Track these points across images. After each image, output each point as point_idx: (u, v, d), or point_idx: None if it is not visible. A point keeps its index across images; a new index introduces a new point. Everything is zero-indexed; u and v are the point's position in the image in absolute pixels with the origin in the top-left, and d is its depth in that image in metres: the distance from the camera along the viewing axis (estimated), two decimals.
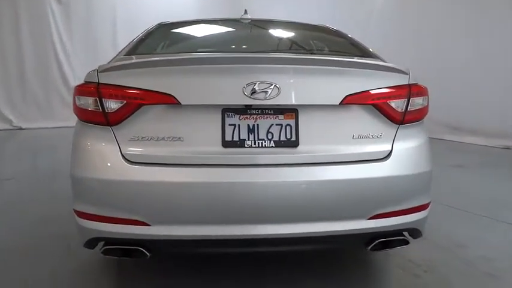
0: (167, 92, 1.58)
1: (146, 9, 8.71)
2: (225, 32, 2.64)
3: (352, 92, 1.63)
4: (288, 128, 1.63)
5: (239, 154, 1.60)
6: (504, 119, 5.85)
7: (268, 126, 1.63)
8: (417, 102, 1.75)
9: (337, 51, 2.23)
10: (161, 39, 2.45)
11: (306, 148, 1.63)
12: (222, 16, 3.14)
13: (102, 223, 1.62)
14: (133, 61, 1.66)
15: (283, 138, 1.62)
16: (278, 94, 1.57)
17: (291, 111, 1.63)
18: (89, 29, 8.40)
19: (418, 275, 2.11)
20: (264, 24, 2.68)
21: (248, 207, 1.58)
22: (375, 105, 1.67)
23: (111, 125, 1.62)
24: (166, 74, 1.61)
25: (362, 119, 1.68)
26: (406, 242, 1.77)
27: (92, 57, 8.36)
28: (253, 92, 1.56)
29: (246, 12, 2.73)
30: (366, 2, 8.15)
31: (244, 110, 1.62)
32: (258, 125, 1.62)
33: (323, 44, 2.46)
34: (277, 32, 2.62)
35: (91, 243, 1.70)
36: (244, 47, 2.39)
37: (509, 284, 2.08)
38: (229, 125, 1.61)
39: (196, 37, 2.57)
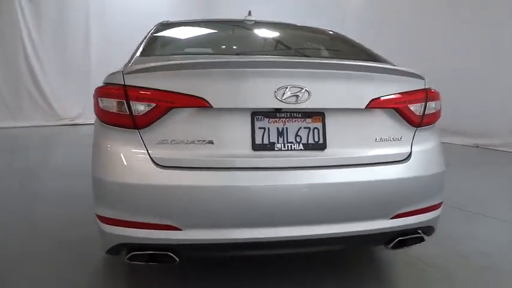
0: (199, 95, 1.57)
1: (121, 5, 8.50)
2: (238, 33, 2.64)
3: (377, 96, 1.69)
4: (316, 131, 1.66)
5: (269, 157, 1.62)
6: (469, 118, 6.14)
7: (296, 130, 1.65)
8: (432, 106, 1.84)
9: (353, 56, 2.27)
10: (174, 40, 2.42)
11: (333, 151, 1.67)
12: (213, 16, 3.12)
13: (130, 228, 1.59)
14: (161, 63, 1.63)
15: (311, 141, 1.65)
16: (308, 98, 1.60)
17: (318, 114, 1.67)
18: (59, 25, 8.09)
19: (424, 269, 2.21)
20: (272, 26, 2.70)
21: (279, 210, 1.60)
22: (396, 109, 1.74)
23: (138, 128, 1.60)
24: (198, 76, 1.60)
25: (384, 122, 1.74)
26: (422, 240, 1.85)
27: (61, 54, 8.09)
28: (284, 95, 1.58)
29: (250, 13, 2.74)
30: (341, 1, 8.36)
31: (273, 114, 1.64)
32: (287, 128, 1.65)
33: (337, 48, 2.50)
34: (288, 35, 2.64)
35: (116, 249, 1.66)
36: (263, 49, 2.39)
37: (504, 274, 2.23)
38: (259, 128, 1.62)
39: (211, 38, 2.56)
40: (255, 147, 1.62)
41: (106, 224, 1.63)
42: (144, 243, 1.60)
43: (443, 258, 2.33)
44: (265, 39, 2.57)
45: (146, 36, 2.30)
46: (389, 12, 7.37)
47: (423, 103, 1.79)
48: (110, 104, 1.63)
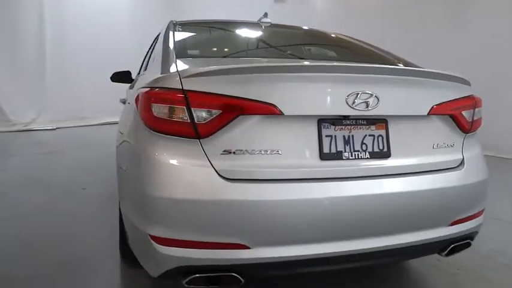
0: (269, 102, 1.45)
1: (78, 2, 7.96)
2: (268, 36, 2.52)
3: (438, 103, 1.67)
4: (380, 138, 1.60)
5: (338, 167, 1.54)
6: None
7: (362, 137, 1.58)
8: (477, 112, 1.86)
9: (387, 61, 2.24)
10: (206, 41, 2.26)
11: (397, 159, 1.62)
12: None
13: (191, 249, 1.43)
14: (227, 66, 1.48)
15: (376, 149, 1.59)
16: (377, 105, 1.54)
17: (382, 121, 1.61)
18: (9, 24, 7.38)
19: (455, 273, 2.23)
20: (295, 30, 2.62)
21: (350, 222, 1.52)
22: (451, 116, 1.73)
23: (200, 138, 1.44)
24: (267, 81, 1.47)
25: (439, 129, 1.73)
26: (469, 245, 1.86)
27: (12, 54, 7.42)
28: (356, 102, 1.51)
29: (266, 15, 2.64)
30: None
31: (340, 121, 1.55)
32: (352, 136, 1.57)
33: (368, 53, 2.47)
34: (318, 39, 2.56)
35: (172, 273, 1.48)
36: (306, 54, 2.29)
37: None
38: (326, 136, 1.54)
39: (245, 41, 2.42)
40: (323, 156, 1.52)
41: (162, 245, 1.45)
42: (208, 264, 1.45)
43: (468, 260, 2.37)
44: (300, 42, 2.47)
45: (165, 37, 2.12)
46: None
47: (472, 109, 1.80)
48: (166, 111, 1.46)
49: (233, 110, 1.43)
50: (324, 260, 1.54)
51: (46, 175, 4.32)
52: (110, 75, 4.13)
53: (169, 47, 1.96)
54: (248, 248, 1.44)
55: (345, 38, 2.60)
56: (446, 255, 1.79)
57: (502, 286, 2.18)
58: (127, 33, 8.45)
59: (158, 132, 1.48)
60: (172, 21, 2.48)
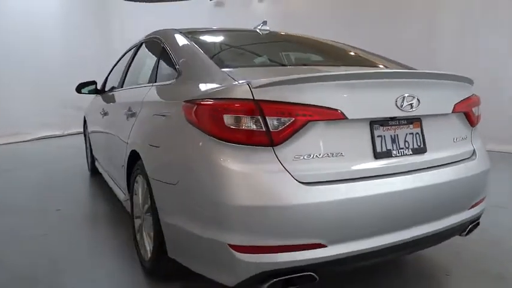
0: (335, 107, 1.55)
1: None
2: (284, 44, 2.58)
3: (457, 102, 1.90)
4: (417, 136, 1.78)
5: (389, 164, 1.68)
6: None
7: (404, 136, 1.74)
8: (478, 108, 2.13)
9: (389, 64, 2.43)
10: (231, 50, 2.25)
11: (431, 153, 1.81)
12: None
13: (273, 254, 1.48)
14: (293, 76, 1.54)
15: (415, 145, 1.77)
16: (418, 106, 1.71)
17: (417, 120, 1.79)
18: None
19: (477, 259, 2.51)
20: (298, 37, 2.72)
21: (403, 213, 1.68)
22: (465, 112, 1.97)
23: (274, 145, 1.49)
24: (331, 88, 1.57)
25: (456, 124, 1.95)
26: (478, 224, 2.13)
27: None
28: (403, 104, 1.67)
29: (265, 23, 2.71)
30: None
31: (387, 122, 1.70)
32: (397, 135, 1.73)
33: (373, 58, 2.64)
34: (327, 46, 2.66)
35: (254, 279, 1.50)
36: (328, 60, 2.38)
37: None
38: (377, 136, 1.67)
39: (267, 49, 2.45)
40: (377, 155, 1.66)
41: (243, 252, 1.47)
42: (288, 266, 1.50)
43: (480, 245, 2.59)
44: (316, 49, 2.56)
45: (186, 47, 2.11)
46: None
47: (478, 106, 2.06)
48: (240, 121, 1.48)
49: (303, 116, 1.51)
50: (385, 250, 1.67)
51: (9, 196, 3.93)
52: (76, 87, 3.93)
53: (203, 57, 1.96)
54: (324, 246, 1.52)
55: (338, 43, 2.78)
56: (466, 234, 2.03)
57: None
58: (57, 46, 7.96)
59: (230, 142, 1.50)
60: (177, 29, 2.46)
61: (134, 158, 2.33)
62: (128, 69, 3.13)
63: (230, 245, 1.48)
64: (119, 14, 9.74)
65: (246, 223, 1.46)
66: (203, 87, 1.71)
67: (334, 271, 1.73)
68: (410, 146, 1.75)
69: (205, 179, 1.55)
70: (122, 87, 3.15)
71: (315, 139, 1.54)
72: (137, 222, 2.41)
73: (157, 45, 2.52)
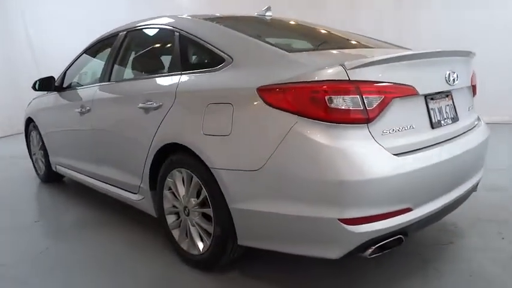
0: (411, 84, 1.72)
1: None
2: (310, 28, 2.60)
3: (471, 75, 2.21)
4: (452, 107, 2.04)
5: (442, 132, 1.91)
6: None
7: (445, 107, 1.99)
8: None
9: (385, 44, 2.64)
10: (274, 35, 2.24)
11: (461, 121, 2.09)
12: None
13: (376, 222, 1.61)
14: (380, 57, 1.64)
15: (452, 115, 2.02)
16: (458, 80, 1.97)
17: (449, 93, 2.05)
18: None
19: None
20: (300, 22, 2.78)
21: (455, 175, 1.94)
22: (473, 85, 2.30)
23: (368, 122, 1.61)
24: (406, 67, 1.73)
25: (468, 95, 2.26)
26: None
27: None
28: (450, 79, 1.91)
29: (269, 9, 2.75)
30: None
31: (435, 96, 1.92)
32: (441, 107, 1.96)
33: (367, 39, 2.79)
34: (332, 30, 2.72)
35: (359, 248, 1.62)
36: (349, 43, 2.46)
37: None
38: (431, 109, 1.89)
39: (293, 32, 2.45)
40: (433, 125, 1.87)
41: (352, 225, 1.57)
42: (386, 232, 1.64)
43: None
44: (330, 33, 2.63)
45: (226, 33, 2.09)
46: None
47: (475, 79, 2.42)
48: (342, 101, 1.56)
49: (390, 94, 1.65)
50: (445, 209, 1.91)
51: None
52: (33, 84, 3.54)
53: (257, 42, 1.96)
54: (411, 210, 1.70)
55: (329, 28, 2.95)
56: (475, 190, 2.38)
57: None
58: None
59: (329, 121, 1.58)
60: (194, 16, 2.38)
61: (163, 152, 2.24)
62: (115, 61, 2.89)
63: (340, 220, 1.56)
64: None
65: (354, 197, 1.56)
66: (280, 71, 1.73)
67: (417, 231, 1.92)
68: (450, 116, 2.00)
69: (307, 159, 1.59)
70: (108, 80, 2.90)
71: (396, 114, 1.69)
72: (171, 218, 2.32)
73: (171, 32, 2.40)
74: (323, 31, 2.63)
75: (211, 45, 2.09)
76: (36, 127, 4.09)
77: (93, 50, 3.42)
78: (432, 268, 2.10)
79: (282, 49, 1.87)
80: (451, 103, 2.04)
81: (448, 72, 1.91)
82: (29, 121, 4.27)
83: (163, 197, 2.32)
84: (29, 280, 2.21)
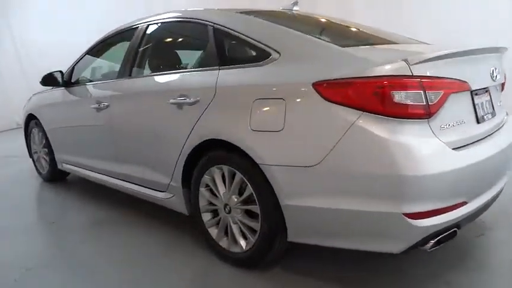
0: (464, 80, 1.74)
1: None
2: (336, 23, 2.58)
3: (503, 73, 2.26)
4: (489, 102, 2.08)
5: (486, 127, 1.94)
6: None
7: (485, 102, 2.03)
8: None
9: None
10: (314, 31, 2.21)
11: (498, 116, 2.14)
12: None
13: (435, 217, 1.62)
14: (440, 53, 1.65)
15: (490, 110, 2.07)
16: (498, 76, 2.01)
17: (487, 89, 2.08)
18: None
19: None
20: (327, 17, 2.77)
21: (496, 169, 1.98)
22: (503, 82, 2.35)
23: (429, 117, 1.62)
24: (461, 63, 1.75)
25: (498, 91, 2.31)
26: None
27: None
28: (494, 75, 1.95)
29: (296, 3, 2.72)
30: None
31: (479, 91, 1.95)
32: (483, 102, 2.00)
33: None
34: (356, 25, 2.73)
35: (420, 242, 1.63)
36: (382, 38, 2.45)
37: None
38: (476, 104, 1.92)
39: (331, 28, 2.43)
40: (478, 120, 1.91)
41: (416, 219, 1.58)
42: (445, 226, 1.66)
43: None
44: (358, 27, 2.62)
45: (261, 28, 2.06)
46: None
47: None
48: (406, 96, 1.57)
49: (448, 89, 1.67)
50: (488, 203, 1.94)
51: None
52: (41, 79, 3.41)
53: (307, 37, 1.95)
54: (466, 203, 1.72)
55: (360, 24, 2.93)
56: None
57: None
58: None
59: (396, 117, 1.58)
60: (230, 9, 2.34)
61: (199, 149, 2.19)
62: (136, 55, 2.80)
63: (405, 214, 1.57)
64: None
65: (419, 191, 1.57)
66: (337, 66, 1.72)
67: (465, 224, 1.95)
68: (489, 111, 2.04)
69: (370, 154, 1.59)
70: (129, 75, 2.81)
71: (450, 110, 1.71)
72: (207, 216, 2.28)
73: (203, 26, 2.35)
74: (353, 26, 2.62)
75: (254, 40, 2.06)
76: (38, 124, 3.94)
77: (106, 44, 3.31)
78: (470, 259, 2.15)
79: (338, 44, 1.86)
80: (489, 98, 2.08)
81: (492, 68, 1.96)
82: (30, 118, 4.11)
83: (199, 195, 2.27)
84: (67, 283, 2.13)
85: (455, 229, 1.72)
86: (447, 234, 1.70)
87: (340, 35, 2.46)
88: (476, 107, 1.91)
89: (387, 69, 1.60)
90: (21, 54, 8.71)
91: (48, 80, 3.43)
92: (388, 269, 2.07)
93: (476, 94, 1.92)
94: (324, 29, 2.52)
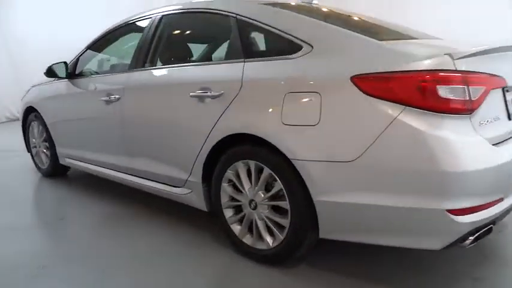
0: (503, 76, 1.74)
1: None
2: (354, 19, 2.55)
3: None
4: None
5: None
6: None
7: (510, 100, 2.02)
8: None
9: None
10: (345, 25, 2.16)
11: None
12: None
13: (477, 213, 1.61)
14: (483, 48, 1.64)
15: None
16: None
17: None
18: None
19: None
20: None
21: None
22: None
23: (471, 113, 1.60)
24: (498, 59, 1.75)
25: None
26: None
27: None
28: None
29: None
30: None
31: (510, 88, 1.94)
32: (510, 99, 1.99)
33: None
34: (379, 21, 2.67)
35: (460, 239, 1.61)
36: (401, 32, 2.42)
37: None
38: (507, 100, 1.90)
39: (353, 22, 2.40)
40: (510, 116, 1.90)
41: (460, 215, 1.56)
42: (484, 223, 1.65)
43: None
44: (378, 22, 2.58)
45: (292, 20, 2.02)
46: None
47: None
48: (451, 91, 1.55)
49: (490, 85, 1.66)
50: None
51: None
52: (45, 71, 3.30)
53: (340, 29, 1.91)
54: (503, 199, 1.71)
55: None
56: None
57: None
58: None
59: (439, 112, 1.56)
60: (256, 1, 2.29)
61: (223, 144, 2.14)
62: (150, 47, 2.71)
63: (449, 210, 1.55)
64: None
65: (462, 187, 1.55)
66: (377, 60, 1.68)
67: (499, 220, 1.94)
68: None
69: (412, 150, 1.56)
70: (142, 67, 2.72)
71: (488, 106, 1.70)
72: (229, 212, 2.22)
73: (225, 17, 2.28)
74: (373, 21, 2.59)
75: (283, 32, 2.01)
76: (38, 117, 3.81)
77: (115, 35, 3.20)
78: (493, 255, 2.15)
79: (374, 37, 1.83)
80: None
81: None
82: (29, 111, 3.97)
83: (221, 191, 2.22)
84: (87, 277, 2.05)
85: (491, 225, 1.72)
86: (485, 231, 1.69)
87: (368, 29, 2.42)
88: (508, 103, 1.90)
89: (431, 63, 1.57)
90: (9, 47, 8.45)
91: (53, 71, 3.30)
92: (413, 267, 2.06)
93: (507, 91, 1.92)
94: (349, 23, 2.48)
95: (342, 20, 2.50)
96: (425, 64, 1.57)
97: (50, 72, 3.32)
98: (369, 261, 2.11)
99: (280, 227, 2.00)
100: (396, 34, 2.35)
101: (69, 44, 7.74)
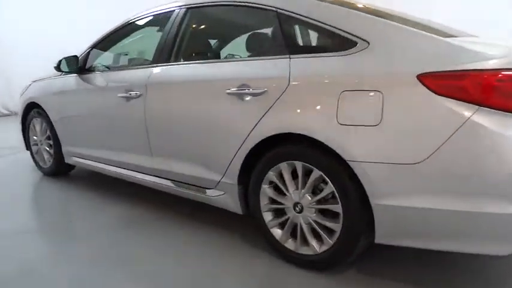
0: None
1: None
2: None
3: None
4: None
5: None
6: None
7: None
8: None
9: None
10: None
11: None
12: None
13: None
14: None
15: None
16: None
17: None
18: None
19: None
20: None
21: None
22: None
23: None
24: None
25: None
26: None
27: None
28: None
29: None
30: None
31: None
32: None
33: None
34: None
35: None
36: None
37: None
38: None
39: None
40: None
41: None
42: None
43: None
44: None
45: (342, 15, 1.92)
46: None
47: None
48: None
49: None
50: None
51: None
52: (56, 65, 3.13)
53: (398, 25, 1.83)
54: None
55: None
56: None
57: None
58: None
59: (503, 109, 1.50)
60: None
61: (263, 144, 2.04)
62: (175, 41, 2.57)
63: None
64: None
65: None
66: (446, 58, 1.61)
67: None
68: None
69: (487, 152, 1.50)
70: (166, 62, 2.58)
71: None
72: (268, 215, 2.12)
73: (264, 11, 2.17)
74: (409, 17, 2.53)
75: (334, 27, 1.91)
76: (42, 113, 3.60)
77: (130, 29, 3.04)
78: None
79: (438, 34, 1.76)
80: None
81: None
82: (30, 107, 3.75)
83: (260, 193, 2.11)
84: (121, 280, 1.92)
85: None
86: None
87: (419, 25, 2.36)
88: None
89: (505, 61, 1.51)
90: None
91: (63, 65, 3.12)
92: (462, 271, 2.02)
93: None
94: (397, 19, 2.41)
95: (391, 16, 2.43)
96: (501, 62, 1.52)
97: (60, 67, 3.13)
98: (418, 267, 2.04)
99: (329, 231, 1.92)
100: (438, 32, 2.29)
101: (59, 38, 7.55)
